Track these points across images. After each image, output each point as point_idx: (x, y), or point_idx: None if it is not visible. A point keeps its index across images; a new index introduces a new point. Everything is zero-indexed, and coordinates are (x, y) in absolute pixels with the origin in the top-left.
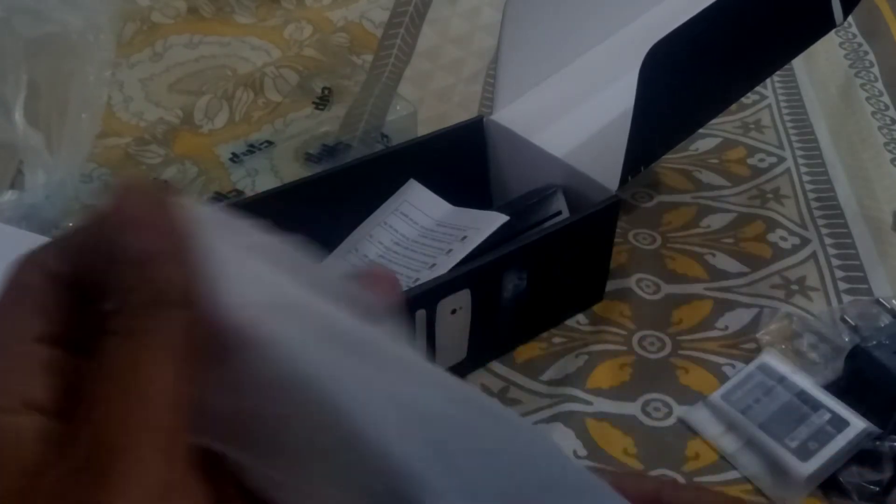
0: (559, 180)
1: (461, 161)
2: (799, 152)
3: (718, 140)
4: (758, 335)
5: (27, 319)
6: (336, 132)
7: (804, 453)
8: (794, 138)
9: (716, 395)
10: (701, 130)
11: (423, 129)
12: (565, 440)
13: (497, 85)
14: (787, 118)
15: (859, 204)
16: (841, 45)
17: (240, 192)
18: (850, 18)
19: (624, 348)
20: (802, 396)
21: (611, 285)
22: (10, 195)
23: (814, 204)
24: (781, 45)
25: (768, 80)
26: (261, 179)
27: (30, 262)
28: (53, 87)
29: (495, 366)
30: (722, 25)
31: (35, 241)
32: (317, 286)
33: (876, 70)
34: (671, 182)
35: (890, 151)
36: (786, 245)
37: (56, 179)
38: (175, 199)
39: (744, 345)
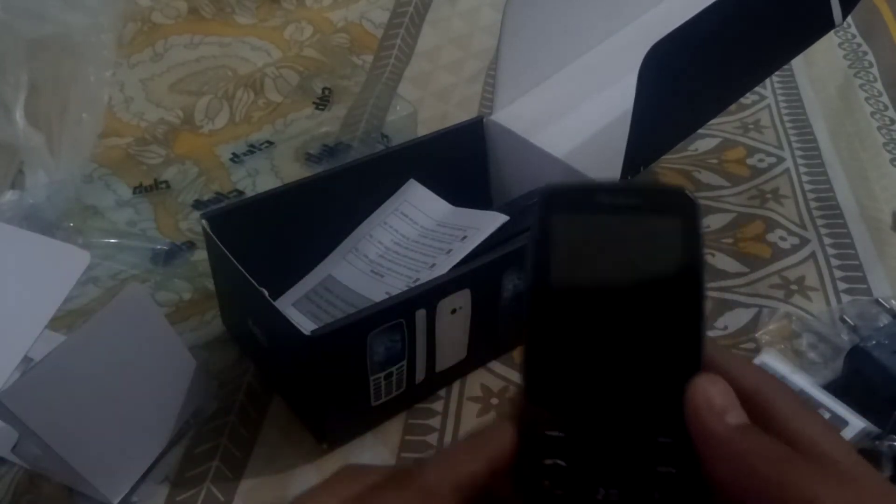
0: (559, 180)
1: (461, 161)
2: (798, 152)
3: (718, 140)
4: (757, 335)
5: None
6: (336, 132)
7: None
8: (793, 138)
9: None
10: (700, 130)
11: (423, 129)
12: None
13: (497, 85)
14: (786, 118)
15: (858, 204)
16: (840, 45)
17: (240, 193)
18: (849, 19)
19: None
20: (801, 396)
21: None
22: (10, 195)
23: (813, 204)
24: (781, 45)
25: (767, 81)
26: (261, 179)
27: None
28: (54, 87)
29: (495, 366)
30: (721, 26)
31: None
32: None
33: (875, 70)
34: (671, 182)
35: (889, 151)
36: (785, 245)
37: (57, 180)
38: None
39: (743, 344)
